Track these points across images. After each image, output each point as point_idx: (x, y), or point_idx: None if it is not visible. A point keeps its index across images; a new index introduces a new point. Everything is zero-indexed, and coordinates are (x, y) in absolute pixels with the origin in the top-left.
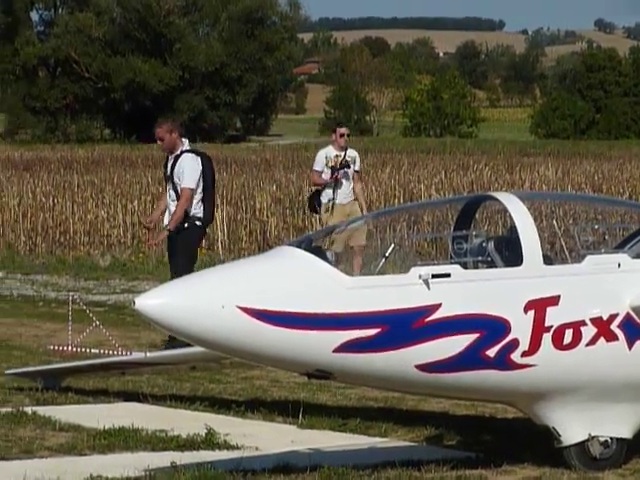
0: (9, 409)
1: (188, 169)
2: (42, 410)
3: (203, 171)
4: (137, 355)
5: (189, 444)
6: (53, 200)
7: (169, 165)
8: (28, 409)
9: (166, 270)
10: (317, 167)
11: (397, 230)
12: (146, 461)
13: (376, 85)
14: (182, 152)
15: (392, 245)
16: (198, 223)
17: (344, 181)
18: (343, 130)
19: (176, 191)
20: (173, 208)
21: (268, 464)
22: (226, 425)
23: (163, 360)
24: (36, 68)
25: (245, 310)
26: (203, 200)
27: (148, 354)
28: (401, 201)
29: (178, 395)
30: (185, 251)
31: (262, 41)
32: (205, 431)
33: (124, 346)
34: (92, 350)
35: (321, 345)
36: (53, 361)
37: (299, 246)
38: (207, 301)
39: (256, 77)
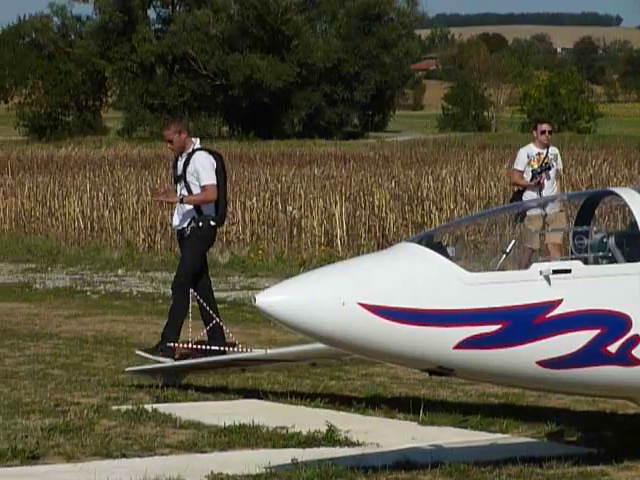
0: (129, 407)
1: (204, 166)
2: (162, 407)
3: (216, 170)
4: (257, 352)
5: (310, 441)
6: None
7: (180, 165)
8: (148, 407)
9: (285, 267)
10: (518, 166)
11: (516, 226)
12: (267, 458)
13: (494, 81)
14: (194, 150)
15: (513, 241)
16: (212, 223)
17: (546, 182)
18: (545, 126)
19: (190, 192)
20: (182, 209)
21: (389, 461)
22: (347, 422)
23: (283, 357)
24: (154, 65)
25: (366, 307)
26: (217, 201)
27: (268, 351)
28: None
29: (298, 392)
30: (195, 248)
31: (380, 37)
32: (326, 428)
33: (244, 343)
34: (212, 347)
35: (442, 341)
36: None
37: (420, 242)
38: (328, 298)
39: (374, 73)
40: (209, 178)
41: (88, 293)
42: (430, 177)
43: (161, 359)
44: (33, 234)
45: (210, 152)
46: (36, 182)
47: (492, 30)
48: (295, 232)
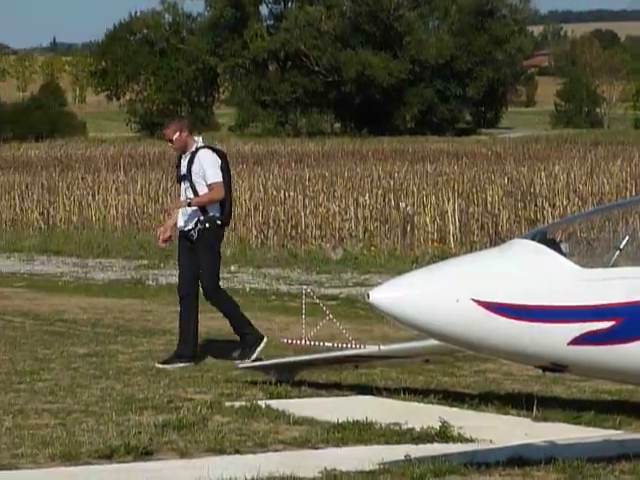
0: (243, 403)
1: (210, 164)
2: (276, 404)
3: (220, 168)
4: (370, 348)
5: (423, 437)
6: (284, 194)
7: (184, 164)
8: (262, 403)
9: (398, 263)
10: None
11: (630, 222)
12: (380, 454)
13: (606, 78)
14: (198, 149)
15: (626, 237)
16: (219, 222)
17: None
18: None
19: (195, 191)
20: (187, 209)
21: (502, 457)
22: (460, 418)
23: (397, 353)
24: (266, 62)
25: (479, 303)
26: (222, 199)
27: (382, 347)
28: (633, 193)
29: (412, 388)
30: (210, 252)
31: (492, 34)
32: (439, 424)
33: (357, 339)
34: (325, 343)
35: (556, 338)
36: (286, 354)
37: (533, 239)
38: (441, 294)
39: (486, 70)
40: (215, 176)
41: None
42: (543, 174)
43: (258, 349)
44: (145, 231)
45: (214, 150)
46: (148, 179)
47: (605, 27)
48: (408, 229)
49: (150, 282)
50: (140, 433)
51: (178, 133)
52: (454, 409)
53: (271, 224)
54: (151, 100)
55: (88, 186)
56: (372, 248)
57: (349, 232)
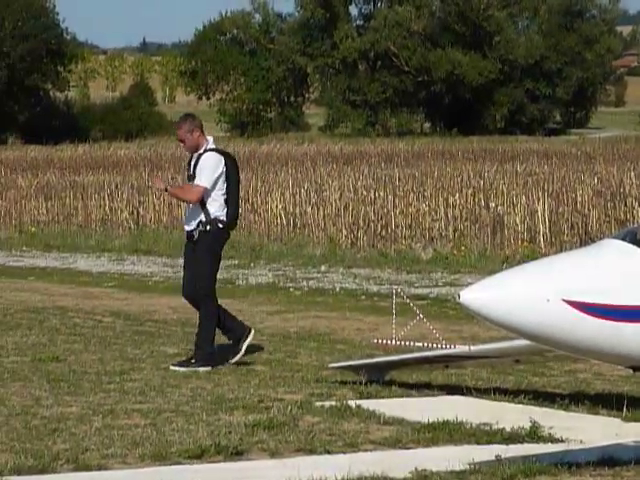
0: (333, 403)
1: (207, 168)
2: (366, 404)
3: (227, 172)
4: (461, 348)
5: (513, 437)
6: (374, 193)
7: (192, 164)
8: (352, 403)
9: (488, 263)
10: None
11: None
12: (471, 454)
13: None
14: (205, 150)
15: None
16: (220, 226)
17: None
18: None
19: None
20: (191, 210)
21: (592, 457)
22: (550, 418)
23: (487, 353)
24: (356, 62)
25: (570, 303)
26: (227, 203)
27: (472, 347)
28: None
29: (502, 388)
30: (208, 254)
31: (581, 34)
32: (529, 424)
33: (447, 339)
34: (415, 343)
35: None
36: (376, 354)
37: (623, 239)
38: (532, 294)
39: (575, 70)
40: (204, 180)
41: (291, 289)
42: (632, 173)
43: (200, 368)
44: (236, 230)
45: (221, 153)
46: None
47: None
48: (498, 228)
49: (240, 282)
50: (230, 433)
51: (190, 133)
52: (544, 409)
53: (361, 224)
54: (241, 100)
55: (178, 185)
56: (462, 248)
57: (439, 232)
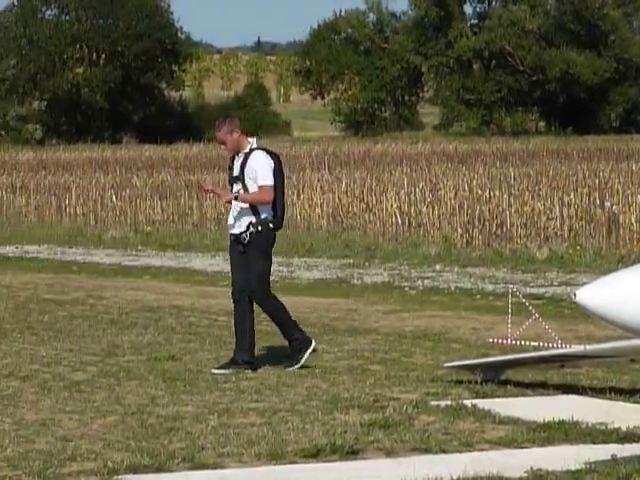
0: (448, 402)
1: (262, 166)
2: (481, 403)
3: (274, 172)
4: (576, 348)
5: (629, 437)
6: (489, 192)
7: (237, 165)
8: (467, 402)
9: (604, 262)
10: None
11: None
12: (586, 454)
13: None
14: (251, 150)
15: None
16: (271, 226)
17: None
18: None
19: (247, 192)
20: (238, 212)
21: None
22: None
23: (603, 353)
24: (470, 61)
25: None
26: (274, 203)
27: (587, 347)
28: None
29: (617, 387)
30: (262, 255)
31: None
32: None
33: (563, 339)
34: (531, 343)
35: None
36: (491, 354)
37: None
38: None
39: None
40: (266, 178)
41: (406, 289)
42: None
43: (307, 353)
44: (350, 230)
45: (268, 152)
46: (353, 177)
47: None
48: (613, 228)
49: (355, 281)
50: (346, 432)
51: (229, 134)
52: None
53: (476, 223)
54: (355, 99)
55: (293, 185)
56: (577, 247)
57: (554, 231)
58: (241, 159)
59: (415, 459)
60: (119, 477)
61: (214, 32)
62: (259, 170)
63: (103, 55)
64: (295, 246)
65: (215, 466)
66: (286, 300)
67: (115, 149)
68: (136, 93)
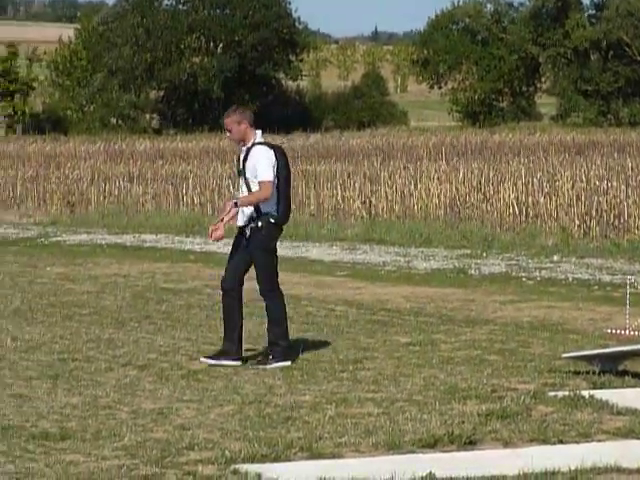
0: (566, 393)
1: (262, 161)
2: (599, 393)
3: (277, 166)
4: None
5: None
6: (607, 183)
7: (241, 158)
8: (585, 392)
9: None
10: None
11: None
12: None
13: None
14: (254, 144)
15: None
16: (272, 221)
17: None
18: None
19: (249, 188)
20: (246, 208)
21: None
22: None
23: None
24: (588, 51)
25: None
26: (278, 198)
27: None
28: None
29: None
30: (261, 251)
31: None
32: None
33: None
34: None
35: None
36: (610, 344)
37: None
38: None
39: None
40: (265, 174)
41: (523, 279)
42: None
43: (279, 364)
44: (468, 220)
45: (271, 147)
46: (470, 168)
47: None
48: None
49: (472, 271)
50: (464, 422)
51: (237, 124)
52: None
53: (593, 214)
54: (473, 89)
55: (410, 175)
56: None
57: None
58: (244, 153)
59: (533, 450)
60: (237, 466)
61: (332, 22)
62: (258, 166)
63: (220, 45)
64: (412, 236)
65: (333, 455)
66: (403, 290)
67: None
68: (253, 83)
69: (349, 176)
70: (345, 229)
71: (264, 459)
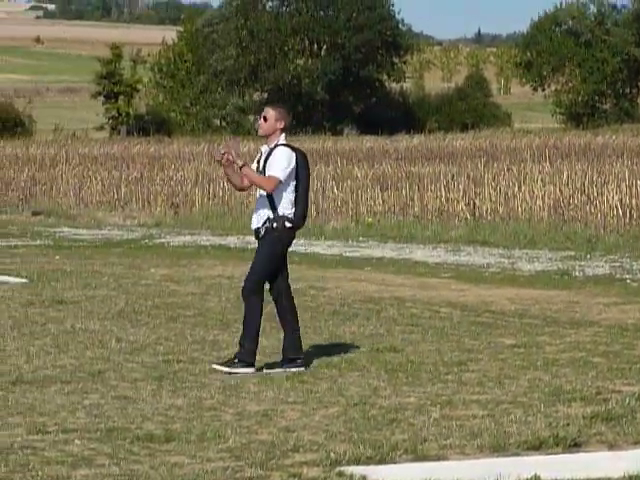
0: None
1: (281, 160)
2: None
3: (297, 169)
4: None
5: None
6: None
7: (262, 158)
8: None
9: None
10: None
11: None
12: None
13: None
14: (276, 145)
15: None
16: (287, 224)
17: None
18: None
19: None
20: (260, 209)
21: None
22: None
23: None
24: None
25: None
26: (295, 201)
27: None
28: None
29: None
30: (267, 252)
31: None
32: None
33: None
34: None
35: None
36: None
37: None
38: None
39: None
40: (277, 172)
41: (628, 281)
42: None
43: (241, 370)
44: (572, 222)
45: (293, 149)
46: (574, 169)
47: None
48: None
49: (577, 273)
50: (568, 425)
51: (273, 120)
52: None
53: None
54: (576, 91)
55: (514, 177)
56: None
57: None
58: (266, 153)
59: (638, 452)
60: (342, 468)
61: (435, 24)
62: (273, 163)
63: (324, 47)
64: (517, 238)
65: (438, 458)
66: (507, 292)
67: (336, 140)
68: (356, 84)
69: (453, 177)
70: (449, 230)
71: (369, 461)
